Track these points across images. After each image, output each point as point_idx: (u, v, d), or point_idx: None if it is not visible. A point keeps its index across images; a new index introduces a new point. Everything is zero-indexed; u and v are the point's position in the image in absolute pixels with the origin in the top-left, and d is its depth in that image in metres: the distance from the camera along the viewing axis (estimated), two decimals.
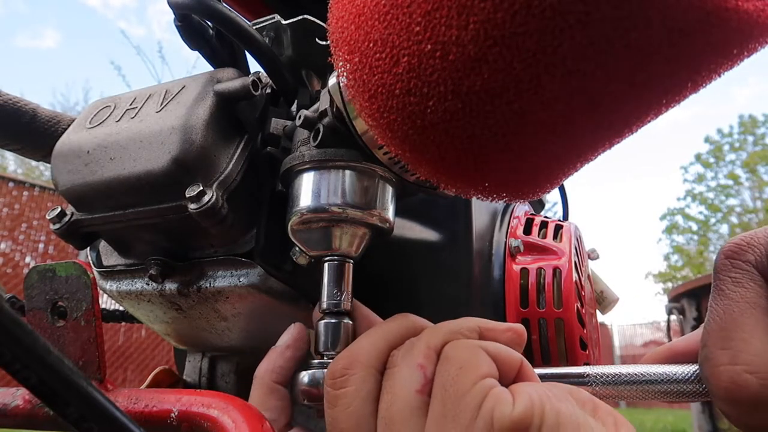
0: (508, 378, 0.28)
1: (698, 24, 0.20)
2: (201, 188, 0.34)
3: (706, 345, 0.29)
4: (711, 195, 16.56)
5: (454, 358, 0.27)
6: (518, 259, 0.45)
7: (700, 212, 16.65)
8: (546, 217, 0.49)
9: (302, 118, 0.35)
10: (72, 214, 0.39)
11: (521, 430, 0.24)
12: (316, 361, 0.33)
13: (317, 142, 0.34)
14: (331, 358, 0.33)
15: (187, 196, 0.34)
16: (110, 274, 0.42)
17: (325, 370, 0.32)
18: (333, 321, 0.34)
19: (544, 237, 0.46)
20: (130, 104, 0.39)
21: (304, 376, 0.33)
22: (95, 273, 0.42)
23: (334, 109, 0.33)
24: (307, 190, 0.34)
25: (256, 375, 0.35)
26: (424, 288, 0.44)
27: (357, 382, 0.29)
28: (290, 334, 0.36)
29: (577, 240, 0.48)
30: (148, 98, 0.39)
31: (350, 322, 0.35)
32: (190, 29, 0.38)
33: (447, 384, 0.26)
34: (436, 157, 0.26)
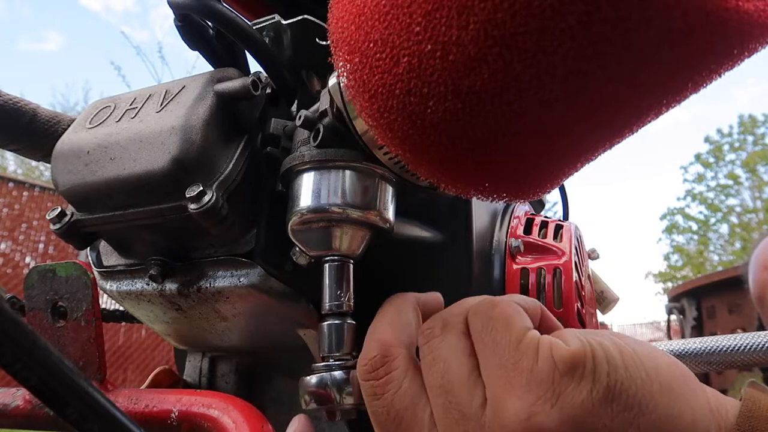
0: (534, 324, 0.29)
1: (698, 24, 0.20)
2: (201, 188, 0.34)
3: None
4: (711, 195, 16.57)
5: (496, 316, 0.28)
6: (518, 259, 0.45)
7: (700, 212, 16.67)
8: (546, 217, 0.49)
9: (302, 118, 0.35)
10: (72, 214, 0.39)
11: (581, 361, 0.25)
12: (321, 364, 0.33)
13: (317, 142, 0.34)
14: (337, 360, 0.33)
15: (187, 196, 0.34)
16: (110, 274, 0.42)
17: (333, 372, 0.32)
18: (336, 322, 0.34)
19: (545, 237, 0.46)
20: (130, 104, 0.39)
21: (312, 379, 0.32)
22: (95, 273, 0.42)
23: (335, 109, 0.33)
24: (307, 190, 0.34)
25: None
26: (424, 288, 0.44)
27: (401, 362, 0.30)
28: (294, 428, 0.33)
29: (578, 240, 0.48)
30: (148, 98, 0.39)
31: (353, 322, 0.35)
32: (190, 29, 0.38)
33: (497, 339, 0.27)
34: (436, 157, 0.26)
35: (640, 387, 0.24)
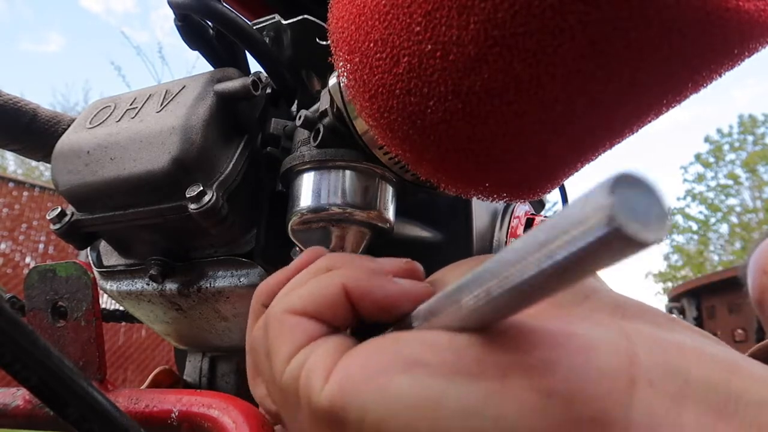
0: (339, 309, 0.23)
1: (698, 24, 0.20)
2: (201, 188, 0.34)
3: None
4: (711, 195, 16.59)
5: (270, 324, 0.23)
6: None
7: (700, 212, 16.69)
8: (546, 217, 0.49)
9: (302, 118, 0.35)
10: (72, 214, 0.39)
11: (336, 417, 0.19)
12: None
13: (317, 142, 0.34)
14: None
15: (188, 196, 0.34)
16: (110, 274, 0.42)
17: None
18: None
19: None
20: (131, 104, 0.39)
21: None
22: (95, 273, 0.42)
23: (335, 109, 0.33)
24: (307, 190, 0.34)
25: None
26: None
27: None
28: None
29: None
30: (148, 98, 0.39)
31: None
32: (190, 29, 0.38)
33: (266, 361, 0.23)
34: (436, 157, 0.26)
35: None
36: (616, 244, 0.11)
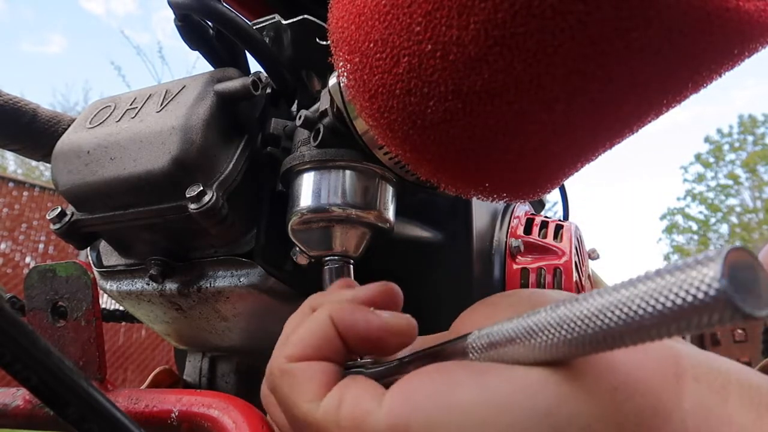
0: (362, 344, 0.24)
1: (698, 24, 0.20)
2: (201, 188, 0.34)
3: None
4: (711, 195, 16.60)
5: (285, 386, 0.23)
6: (518, 259, 0.45)
7: (700, 212, 16.70)
8: (546, 216, 0.49)
9: (302, 118, 0.35)
10: (72, 214, 0.39)
11: None
12: None
13: (317, 142, 0.34)
14: None
15: (188, 196, 0.34)
16: (110, 274, 0.42)
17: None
18: None
19: (545, 237, 0.46)
20: (131, 104, 0.39)
21: None
22: (95, 273, 0.42)
23: (335, 109, 0.33)
24: (307, 190, 0.34)
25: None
26: (424, 289, 0.44)
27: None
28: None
29: (578, 240, 0.48)
30: (148, 98, 0.39)
31: None
32: (191, 29, 0.38)
33: (296, 414, 0.23)
34: (437, 157, 0.26)
35: None
36: (721, 311, 0.13)
